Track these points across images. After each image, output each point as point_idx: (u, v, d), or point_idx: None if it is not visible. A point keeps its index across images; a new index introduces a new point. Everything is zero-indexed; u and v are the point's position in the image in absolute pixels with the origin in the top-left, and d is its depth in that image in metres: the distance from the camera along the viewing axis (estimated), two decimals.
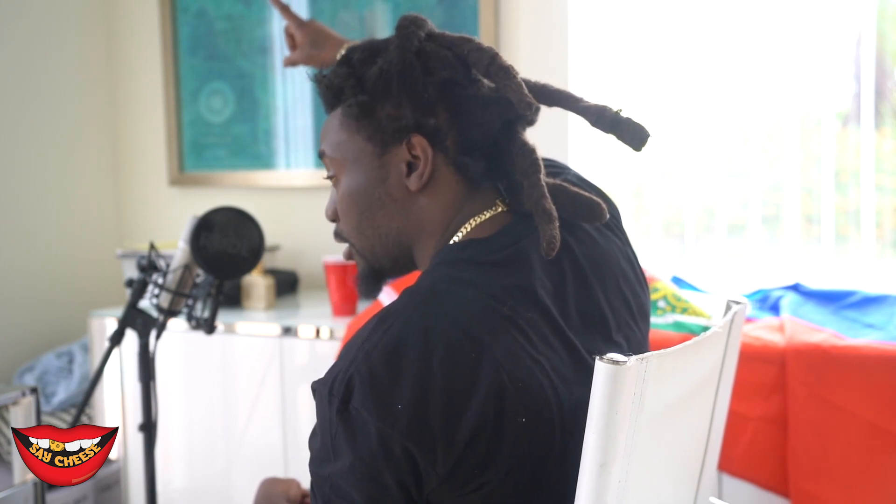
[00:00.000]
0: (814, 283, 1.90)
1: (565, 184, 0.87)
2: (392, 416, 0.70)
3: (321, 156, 0.89)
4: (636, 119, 0.81)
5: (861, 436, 1.49)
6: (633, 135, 0.80)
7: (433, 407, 0.70)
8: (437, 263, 0.83)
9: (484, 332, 0.73)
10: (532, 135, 0.89)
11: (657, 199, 2.18)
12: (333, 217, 0.91)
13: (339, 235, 0.92)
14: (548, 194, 0.81)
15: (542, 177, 0.83)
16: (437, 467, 0.71)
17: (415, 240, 0.87)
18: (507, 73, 0.80)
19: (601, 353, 0.68)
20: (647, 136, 0.81)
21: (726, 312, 0.98)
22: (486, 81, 0.84)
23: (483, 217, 0.84)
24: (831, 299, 1.83)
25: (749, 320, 1.72)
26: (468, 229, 0.84)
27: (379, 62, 0.82)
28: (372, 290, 0.91)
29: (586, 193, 0.86)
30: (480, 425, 0.70)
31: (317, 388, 0.76)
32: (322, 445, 0.76)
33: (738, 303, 1.01)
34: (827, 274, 1.98)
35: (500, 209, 0.86)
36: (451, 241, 0.84)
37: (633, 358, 0.68)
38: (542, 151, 0.87)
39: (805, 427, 1.51)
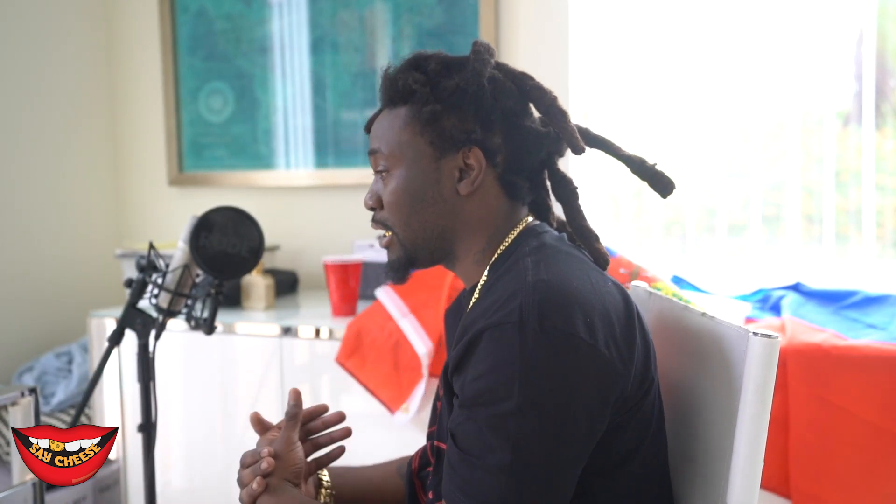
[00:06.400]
0: (814, 283, 1.90)
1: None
2: (592, 328, 0.79)
3: (373, 152, 0.97)
4: (667, 172, 0.97)
5: (862, 436, 1.48)
6: (664, 186, 0.97)
7: (613, 319, 0.83)
8: (521, 250, 0.92)
9: (597, 277, 0.87)
10: None
11: (657, 199, 2.18)
12: (375, 205, 0.99)
13: (380, 223, 0.99)
14: (586, 217, 0.97)
15: (580, 203, 0.99)
16: (630, 375, 0.83)
17: (458, 238, 0.96)
18: (564, 116, 0.93)
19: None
20: (675, 187, 0.97)
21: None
22: (536, 116, 0.97)
23: (524, 224, 0.96)
24: (832, 299, 1.82)
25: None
26: (516, 232, 0.95)
27: (456, 78, 0.92)
28: (400, 278, 1.00)
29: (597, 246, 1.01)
30: (634, 337, 0.84)
31: (492, 324, 0.80)
32: (500, 382, 0.79)
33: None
34: (828, 274, 1.98)
35: (530, 220, 0.98)
36: (507, 237, 0.95)
37: (777, 335, 0.82)
38: None
39: (806, 427, 1.51)
